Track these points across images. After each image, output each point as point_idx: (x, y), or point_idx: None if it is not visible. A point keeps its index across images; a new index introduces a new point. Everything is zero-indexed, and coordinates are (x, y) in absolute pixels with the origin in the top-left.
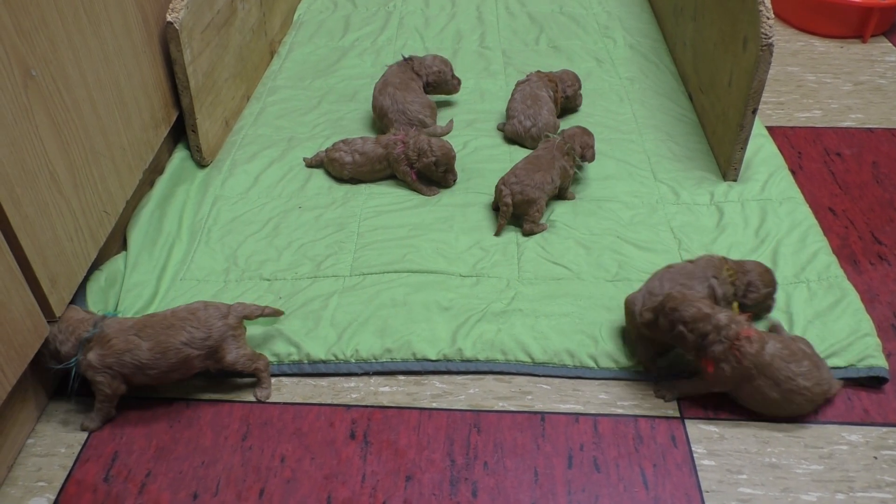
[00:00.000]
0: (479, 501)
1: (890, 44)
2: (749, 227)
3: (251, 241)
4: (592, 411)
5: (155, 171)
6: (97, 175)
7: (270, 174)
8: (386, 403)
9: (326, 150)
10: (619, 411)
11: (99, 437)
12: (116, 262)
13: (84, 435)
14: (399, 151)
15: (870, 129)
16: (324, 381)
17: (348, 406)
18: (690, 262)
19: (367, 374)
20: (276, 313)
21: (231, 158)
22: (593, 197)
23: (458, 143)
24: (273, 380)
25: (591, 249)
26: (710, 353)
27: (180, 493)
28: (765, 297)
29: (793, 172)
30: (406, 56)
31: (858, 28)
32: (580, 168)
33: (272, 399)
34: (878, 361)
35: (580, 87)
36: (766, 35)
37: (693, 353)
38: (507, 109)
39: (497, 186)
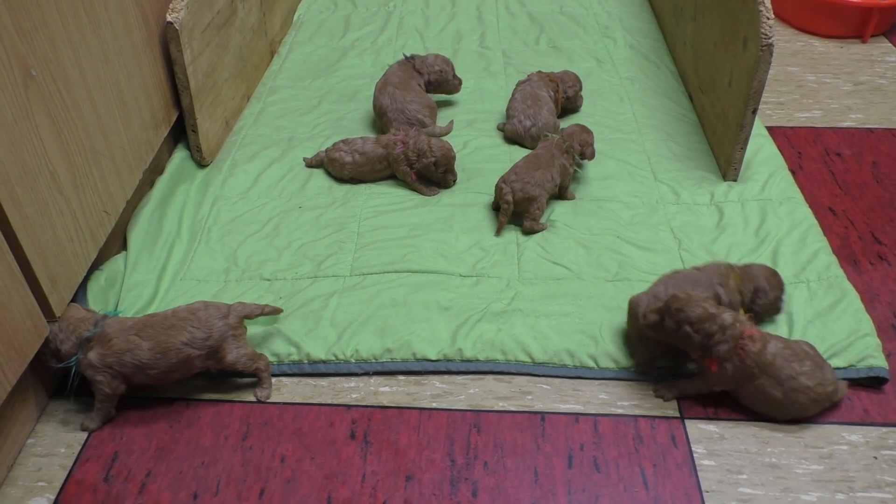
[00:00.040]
0: (479, 501)
1: (890, 44)
2: (749, 227)
3: (251, 241)
4: (592, 411)
5: (155, 171)
6: (97, 175)
7: (270, 174)
8: (386, 403)
9: (326, 150)
10: (619, 411)
11: (99, 437)
12: (116, 261)
13: (84, 435)
14: (399, 152)
15: (870, 129)
16: (324, 381)
17: (348, 406)
18: (697, 269)
19: (367, 374)
20: (276, 311)
21: (231, 158)
22: (593, 197)
23: (458, 143)
24: (273, 380)
25: (591, 249)
26: (716, 352)
27: (180, 493)
28: (774, 300)
29: (793, 172)
30: (408, 55)
31: (858, 28)
32: (580, 166)
33: (272, 399)
34: (878, 361)
35: (581, 89)
36: (766, 35)
37: (697, 354)
38: (508, 109)
39: (497, 185)
